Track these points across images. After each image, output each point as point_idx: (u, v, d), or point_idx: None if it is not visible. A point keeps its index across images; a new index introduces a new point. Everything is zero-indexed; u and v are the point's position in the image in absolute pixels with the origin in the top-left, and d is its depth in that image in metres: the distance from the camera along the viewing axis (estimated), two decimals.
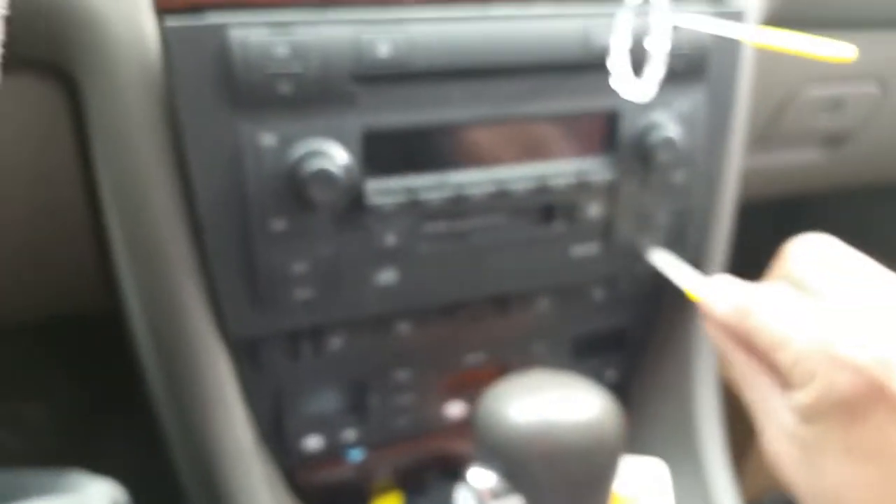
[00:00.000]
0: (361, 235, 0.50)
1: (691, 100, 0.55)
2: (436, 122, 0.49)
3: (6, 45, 0.33)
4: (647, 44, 0.48)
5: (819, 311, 0.33)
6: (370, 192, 0.48)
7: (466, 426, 0.58)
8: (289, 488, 0.60)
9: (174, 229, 0.46)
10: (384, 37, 0.45)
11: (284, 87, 0.44)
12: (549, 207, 0.55)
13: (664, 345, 0.68)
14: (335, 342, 0.55)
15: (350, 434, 0.60)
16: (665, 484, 0.62)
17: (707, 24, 0.47)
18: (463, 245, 0.53)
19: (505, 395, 0.48)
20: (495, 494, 0.45)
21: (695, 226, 0.60)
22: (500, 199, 0.52)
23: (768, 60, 0.60)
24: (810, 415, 0.32)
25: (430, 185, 0.50)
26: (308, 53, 0.44)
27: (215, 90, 0.43)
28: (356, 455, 0.63)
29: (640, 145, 0.53)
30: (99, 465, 0.47)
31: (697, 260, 0.61)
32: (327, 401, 0.59)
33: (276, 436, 0.58)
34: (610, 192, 0.55)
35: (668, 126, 0.53)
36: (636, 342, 0.69)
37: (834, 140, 0.82)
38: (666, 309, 0.67)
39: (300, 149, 0.45)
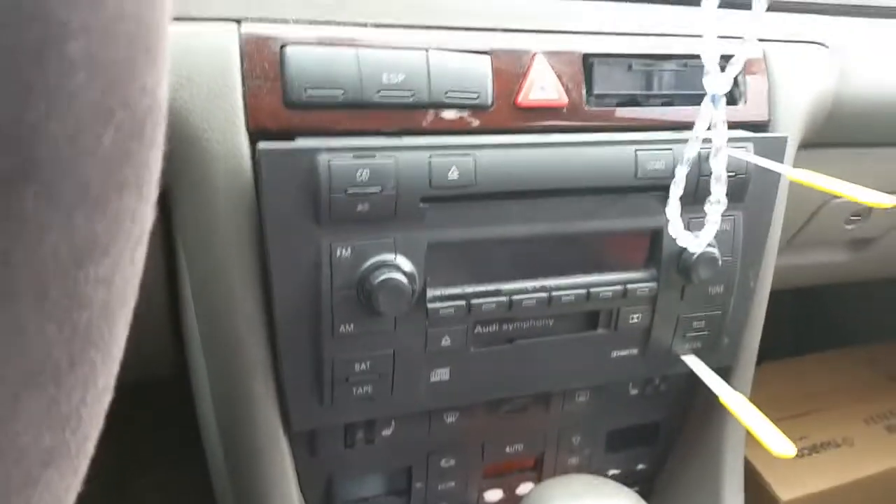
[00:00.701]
0: (419, 338, 0.53)
1: (731, 220, 0.58)
2: (494, 237, 0.53)
3: None
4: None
5: None
6: (430, 298, 0.52)
7: None
8: None
9: (251, 331, 0.50)
10: (453, 161, 0.50)
11: (362, 206, 0.48)
12: (593, 314, 0.58)
13: (695, 441, 0.71)
14: (386, 431, 0.59)
15: None
16: None
17: (757, 159, 0.51)
18: (511, 347, 0.57)
19: (547, 499, 0.51)
20: None
21: (728, 332, 0.64)
22: (549, 307, 0.55)
23: None
24: None
25: (485, 292, 0.54)
26: (386, 177, 0.48)
27: (300, 207, 0.47)
28: None
29: (682, 261, 0.57)
30: None
31: (731, 358, 0.65)
32: (374, 485, 0.62)
33: None
34: (651, 302, 0.59)
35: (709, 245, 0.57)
36: (668, 437, 0.72)
37: (860, 243, 0.85)
38: (698, 406, 0.70)
39: (371, 260, 0.49)
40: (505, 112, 0.52)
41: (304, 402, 0.52)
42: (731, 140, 0.56)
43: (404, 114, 0.50)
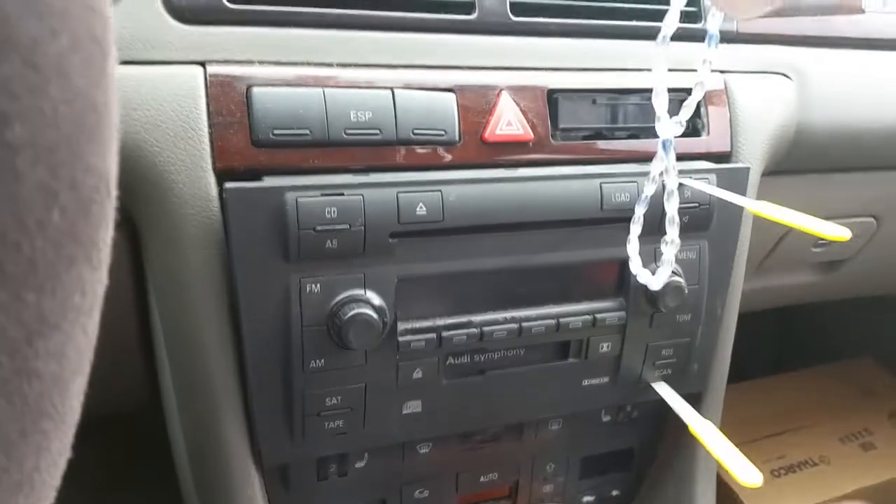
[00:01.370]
0: (391, 371, 0.53)
1: (696, 249, 0.59)
2: (464, 270, 0.53)
3: None
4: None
5: None
6: (401, 332, 0.52)
7: None
8: None
9: (221, 367, 0.50)
10: (420, 197, 0.50)
11: (331, 243, 0.48)
12: (564, 344, 0.59)
13: (668, 466, 0.72)
14: (359, 464, 0.59)
15: None
16: None
17: (719, 192, 0.52)
18: (483, 378, 0.57)
19: None
20: None
21: (697, 358, 0.65)
22: (519, 338, 0.56)
23: None
24: None
25: (456, 324, 0.54)
26: (354, 213, 0.48)
27: (268, 245, 0.48)
28: None
29: (649, 290, 0.58)
30: None
31: (700, 384, 0.66)
32: None
33: None
34: (620, 330, 0.59)
35: (675, 273, 0.58)
36: (641, 462, 0.72)
37: (830, 266, 0.87)
38: (671, 431, 0.71)
39: (341, 295, 0.50)
40: (472, 148, 0.53)
41: (275, 436, 0.52)
42: (694, 171, 0.57)
43: (372, 151, 0.51)
